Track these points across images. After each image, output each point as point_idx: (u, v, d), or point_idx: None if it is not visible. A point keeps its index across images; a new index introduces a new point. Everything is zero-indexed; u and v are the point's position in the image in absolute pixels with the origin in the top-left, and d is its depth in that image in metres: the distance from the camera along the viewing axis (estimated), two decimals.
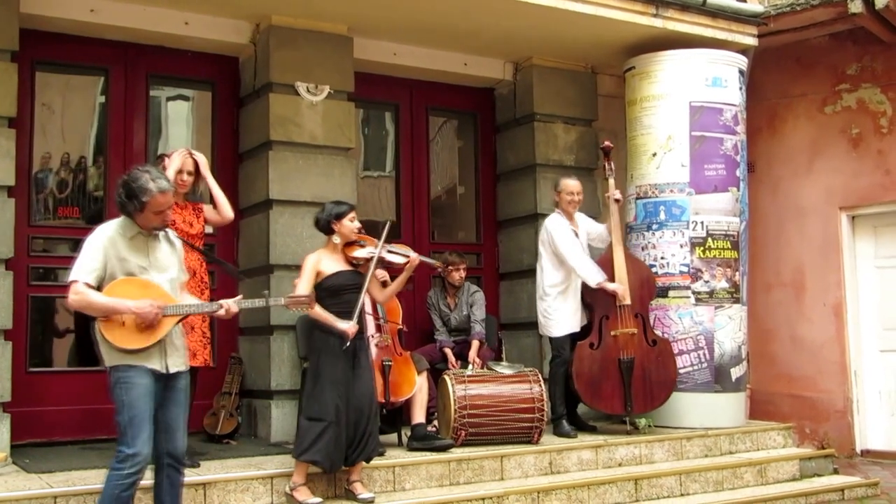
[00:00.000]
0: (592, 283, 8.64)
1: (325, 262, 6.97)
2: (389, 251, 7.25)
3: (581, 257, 8.72)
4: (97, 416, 8.25)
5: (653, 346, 8.81)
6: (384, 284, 7.64)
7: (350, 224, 7.06)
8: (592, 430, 8.95)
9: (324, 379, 6.72)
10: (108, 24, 8.41)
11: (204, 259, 7.09)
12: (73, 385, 8.28)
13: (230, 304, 5.66)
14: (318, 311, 6.77)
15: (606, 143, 9.29)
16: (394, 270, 7.47)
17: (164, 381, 5.45)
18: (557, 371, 8.78)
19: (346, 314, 6.78)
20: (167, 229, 5.66)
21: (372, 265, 7.02)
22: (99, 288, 5.28)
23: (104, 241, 5.34)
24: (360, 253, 7.07)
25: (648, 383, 8.72)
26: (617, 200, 9.00)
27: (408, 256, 7.26)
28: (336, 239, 7.05)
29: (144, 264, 5.43)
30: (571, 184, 8.99)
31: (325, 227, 7.07)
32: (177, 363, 5.53)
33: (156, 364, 5.39)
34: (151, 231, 5.48)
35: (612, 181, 9.08)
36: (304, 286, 6.78)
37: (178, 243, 5.76)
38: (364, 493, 6.81)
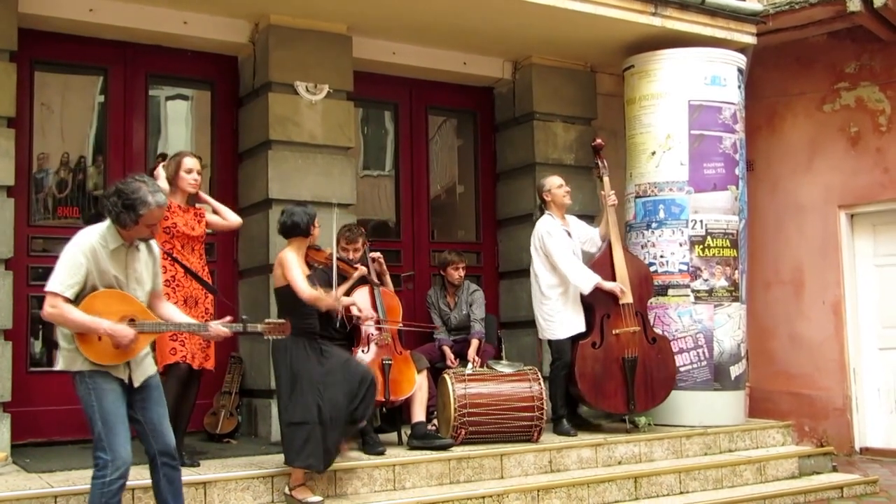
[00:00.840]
0: (586, 290, 8.63)
1: (300, 262, 7.04)
2: (339, 258, 7.43)
3: (573, 263, 8.67)
4: None
5: (653, 343, 8.83)
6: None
7: (317, 227, 7.19)
8: (597, 428, 8.95)
9: (302, 381, 6.72)
10: (107, 23, 8.41)
11: (185, 270, 7.05)
12: (73, 385, 8.26)
13: (219, 328, 5.66)
14: (322, 297, 6.81)
15: (598, 140, 9.29)
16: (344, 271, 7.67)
17: (131, 388, 5.43)
18: (558, 374, 8.77)
19: (313, 318, 6.85)
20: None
21: (334, 270, 7.13)
22: (77, 299, 5.21)
23: (86, 251, 5.22)
24: (320, 257, 7.28)
25: (650, 381, 8.73)
26: (612, 206, 8.97)
27: (351, 266, 7.60)
28: (312, 241, 7.16)
29: (122, 277, 5.36)
30: (557, 179, 8.98)
31: (307, 229, 7.07)
32: (140, 377, 5.47)
33: (121, 374, 5.36)
34: (133, 242, 5.41)
35: (606, 179, 9.08)
36: (301, 280, 6.78)
37: (157, 251, 5.68)
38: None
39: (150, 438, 5.45)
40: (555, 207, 8.92)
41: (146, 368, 5.54)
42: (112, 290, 5.30)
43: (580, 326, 8.78)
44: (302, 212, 7.10)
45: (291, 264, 6.88)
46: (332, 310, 7.00)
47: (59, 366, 5.41)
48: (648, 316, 9.03)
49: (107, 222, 5.35)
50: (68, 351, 5.31)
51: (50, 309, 5.16)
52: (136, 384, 5.43)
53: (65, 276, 5.19)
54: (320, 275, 7.26)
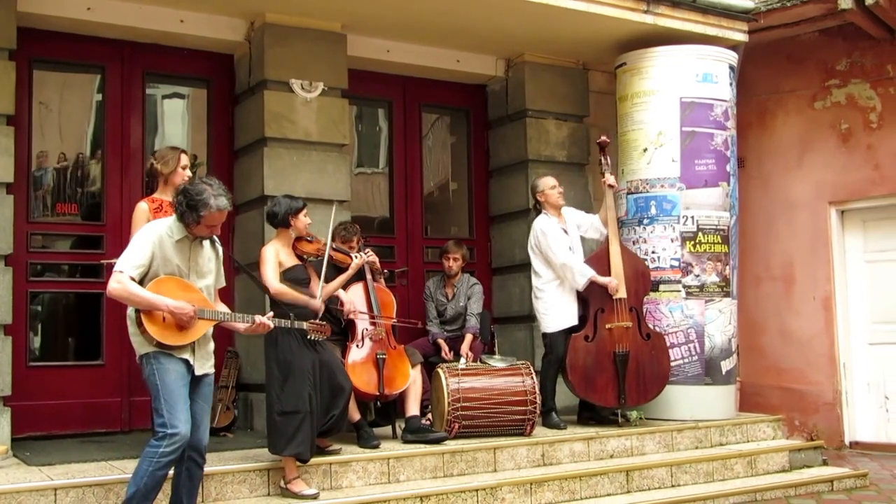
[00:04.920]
0: (580, 287, 8.74)
1: (282, 255, 7.16)
2: (335, 249, 7.67)
3: (569, 260, 8.76)
4: (96, 409, 8.39)
5: (647, 339, 8.86)
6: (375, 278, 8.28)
7: (304, 219, 7.28)
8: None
9: (295, 370, 6.80)
10: (105, 22, 8.47)
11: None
12: (72, 379, 8.37)
13: (264, 321, 5.92)
14: (287, 292, 6.91)
15: (603, 137, 9.28)
16: (341, 263, 7.86)
17: (191, 377, 5.67)
18: (549, 367, 8.86)
19: (300, 307, 6.88)
20: (213, 237, 5.88)
21: (325, 260, 7.29)
22: (140, 283, 5.50)
23: (154, 239, 5.58)
24: (309, 248, 7.37)
25: (642, 377, 8.78)
26: (611, 186, 9.02)
27: (349, 255, 7.82)
28: (293, 233, 7.26)
29: (185, 267, 5.68)
30: (551, 180, 9.04)
31: (284, 220, 7.21)
32: (204, 367, 5.76)
33: (185, 354, 5.62)
34: (197, 237, 5.70)
35: (608, 175, 9.08)
36: (271, 275, 6.96)
37: (221, 251, 5.97)
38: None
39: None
40: (549, 207, 9.00)
41: (209, 361, 5.82)
42: (174, 277, 5.61)
43: (573, 320, 8.86)
44: (284, 202, 7.27)
45: (265, 257, 7.08)
46: (313, 309, 7.03)
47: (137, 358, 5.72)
48: (644, 312, 9.10)
49: (174, 216, 5.68)
50: (134, 335, 5.60)
51: (115, 284, 5.46)
52: (198, 371, 5.70)
53: (131, 257, 5.53)
54: (318, 266, 7.36)
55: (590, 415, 9.14)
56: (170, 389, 5.47)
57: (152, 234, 5.61)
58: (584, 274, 8.70)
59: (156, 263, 5.55)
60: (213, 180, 5.80)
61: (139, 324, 5.49)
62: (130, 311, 5.61)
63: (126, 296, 5.46)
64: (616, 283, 8.76)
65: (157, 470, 5.42)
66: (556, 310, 8.86)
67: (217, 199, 5.57)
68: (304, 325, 6.31)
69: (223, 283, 6.07)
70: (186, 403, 5.53)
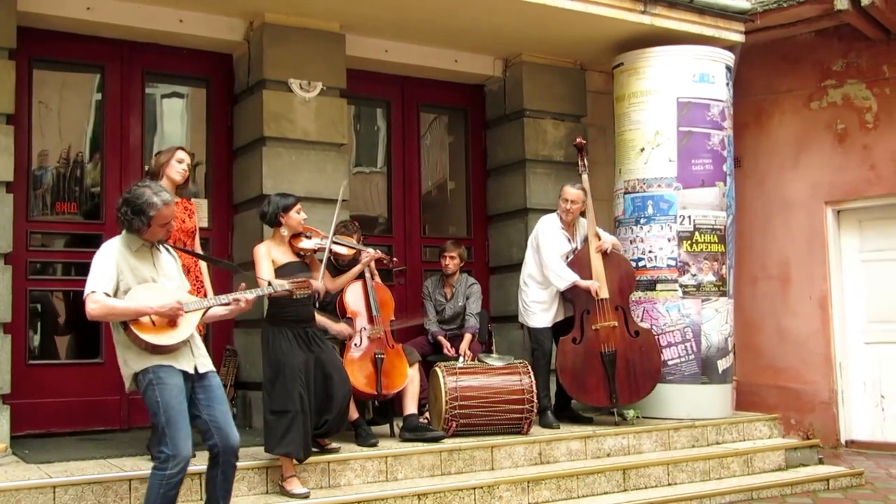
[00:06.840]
0: (561, 287, 8.78)
1: (275, 253, 7.13)
2: (336, 242, 7.61)
3: (555, 262, 8.79)
4: (95, 407, 8.41)
5: (635, 337, 8.85)
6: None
7: (297, 216, 7.22)
8: (589, 422, 8.99)
9: (285, 370, 6.82)
10: (104, 21, 8.49)
11: (199, 258, 7.20)
12: (71, 377, 8.39)
13: (245, 295, 5.82)
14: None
15: (579, 139, 9.34)
16: (342, 258, 7.94)
17: (194, 381, 5.61)
18: (539, 363, 8.85)
19: (295, 304, 6.87)
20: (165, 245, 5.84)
21: (325, 255, 7.29)
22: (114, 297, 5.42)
23: (115, 253, 5.49)
24: (306, 244, 7.30)
25: (633, 374, 8.79)
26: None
27: (355, 248, 7.82)
28: (284, 231, 7.21)
29: (153, 274, 5.60)
30: (569, 192, 8.94)
31: (273, 219, 7.19)
32: (205, 363, 5.70)
33: (184, 364, 5.56)
34: (154, 242, 5.65)
35: (585, 177, 9.11)
36: (266, 274, 6.91)
37: (174, 252, 5.92)
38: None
39: (215, 436, 5.62)
40: (559, 213, 9.05)
41: (208, 359, 5.77)
42: (147, 283, 5.52)
43: (555, 318, 8.94)
44: (274, 200, 7.25)
45: (257, 258, 7.07)
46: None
47: (127, 384, 5.60)
48: (632, 310, 9.12)
49: (124, 231, 5.60)
50: (126, 351, 5.51)
51: (92, 305, 5.36)
52: (202, 370, 5.65)
53: (98, 274, 5.43)
54: (328, 264, 7.40)
55: (568, 413, 9.16)
56: (171, 407, 5.39)
57: (110, 250, 5.53)
58: (566, 279, 8.74)
59: (124, 277, 5.46)
60: (148, 181, 5.80)
61: (128, 332, 5.42)
62: (116, 336, 5.54)
63: (108, 312, 5.39)
64: (597, 285, 8.75)
65: (168, 491, 5.38)
66: (538, 306, 8.93)
67: (159, 196, 5.50)
68: (286, 284, 6.18)
69: (189, 286, 6.01)
70: (187, 420, 5.47)
